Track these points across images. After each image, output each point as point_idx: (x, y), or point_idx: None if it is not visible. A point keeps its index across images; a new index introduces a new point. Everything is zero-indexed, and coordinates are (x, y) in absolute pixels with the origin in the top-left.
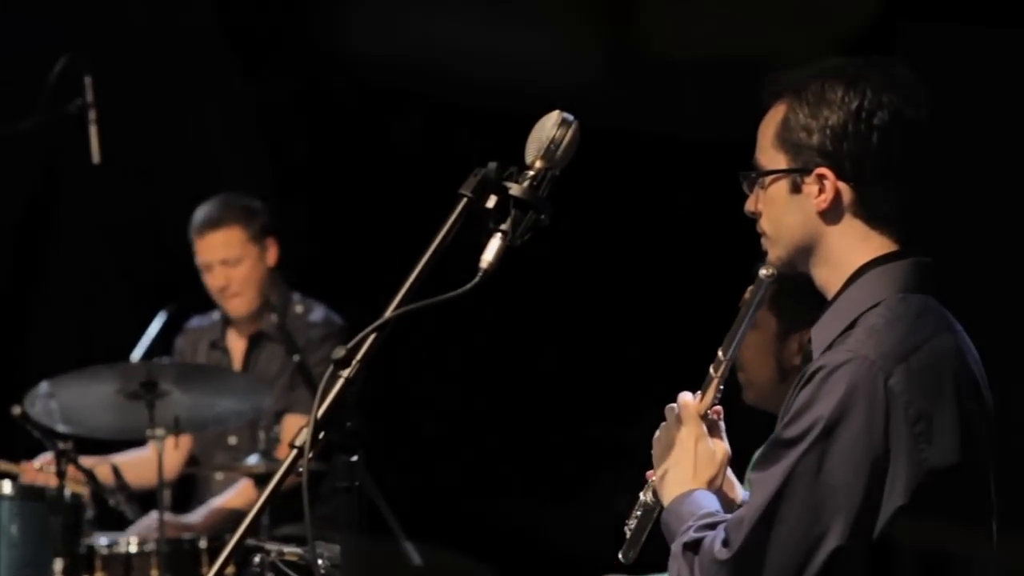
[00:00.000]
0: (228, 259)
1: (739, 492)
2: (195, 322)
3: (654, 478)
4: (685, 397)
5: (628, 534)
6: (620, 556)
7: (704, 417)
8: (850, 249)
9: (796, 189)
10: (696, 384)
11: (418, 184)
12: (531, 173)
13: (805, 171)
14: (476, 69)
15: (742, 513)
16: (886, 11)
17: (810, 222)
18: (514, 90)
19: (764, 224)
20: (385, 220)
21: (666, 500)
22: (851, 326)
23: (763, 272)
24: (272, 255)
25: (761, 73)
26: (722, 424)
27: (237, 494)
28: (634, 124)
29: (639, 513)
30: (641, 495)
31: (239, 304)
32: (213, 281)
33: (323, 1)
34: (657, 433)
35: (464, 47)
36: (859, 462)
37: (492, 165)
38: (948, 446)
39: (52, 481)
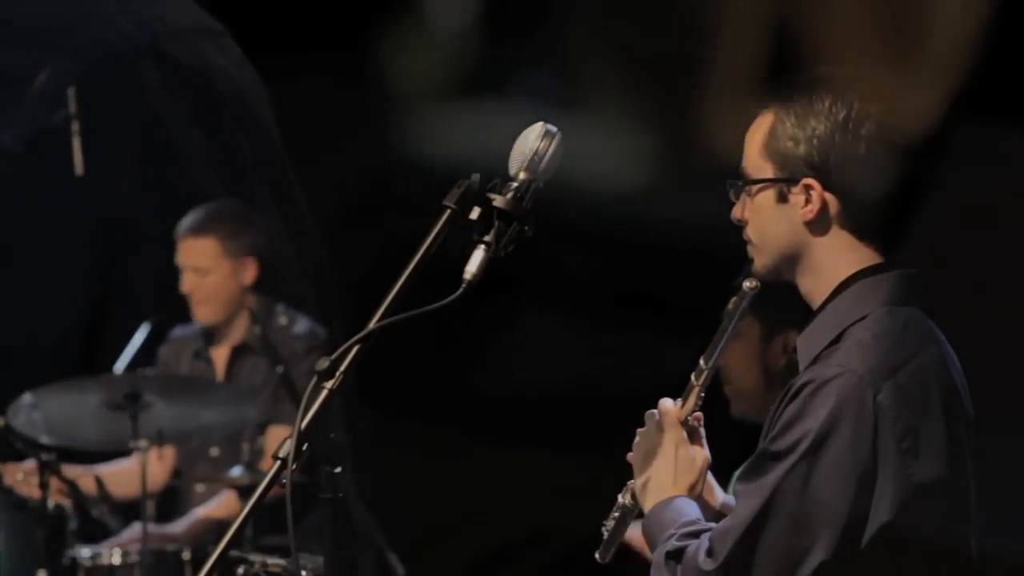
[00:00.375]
0: (199, 268)
1: (719, 497)
2: (178, 332)
3: (634, 484)
4: (666, 404)
5: (605, 535)
6: (597, 556)
7: (684, 423)
8: (836, 260)
9: (783, 199)
10: (677, 394)
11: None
12: (515, 185)
13: (792, 181)
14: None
15: (728, 524)
16: (945, 123)
17: (796, 232)
18: (571, 198)
19: (750, 232)
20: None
21: (647, 507)
22: (837, 339)
23: (747, 284)
24: (249, 275)
25: None
26: (703, 430)
27: (220, 505)
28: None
29: (617, 515)
30: (620, 497)
31: (203, 312)
32: (183, 284)
33: (380, 106)
34: (637, 439)
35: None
36: (846, 477)
37: (475, 177)
38: (934, 461)
39: (35, 492)
